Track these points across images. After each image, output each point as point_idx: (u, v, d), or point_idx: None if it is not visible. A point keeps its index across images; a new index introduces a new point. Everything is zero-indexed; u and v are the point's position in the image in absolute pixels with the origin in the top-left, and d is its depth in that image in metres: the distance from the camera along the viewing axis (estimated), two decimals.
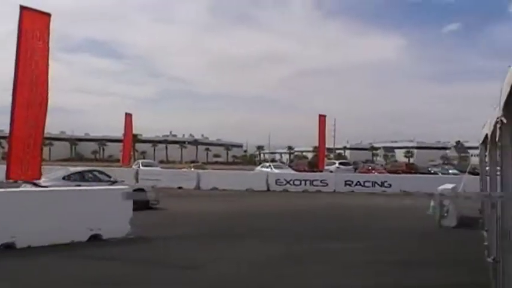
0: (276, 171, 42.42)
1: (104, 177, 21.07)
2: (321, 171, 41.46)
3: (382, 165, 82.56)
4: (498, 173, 6.82)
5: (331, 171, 47.65)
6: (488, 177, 11.67)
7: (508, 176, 5.57)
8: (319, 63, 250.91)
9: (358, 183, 35.32)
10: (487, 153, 11.26)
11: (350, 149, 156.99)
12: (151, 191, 21.66)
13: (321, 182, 35.35)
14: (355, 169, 58.64)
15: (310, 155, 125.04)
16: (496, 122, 5.73)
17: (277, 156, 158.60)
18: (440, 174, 55.75)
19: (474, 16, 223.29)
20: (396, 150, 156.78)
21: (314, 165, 55.26)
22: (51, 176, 20.72)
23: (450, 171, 61.49)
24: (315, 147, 77.62)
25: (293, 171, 44.59)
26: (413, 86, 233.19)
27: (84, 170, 22.01)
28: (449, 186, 18.45)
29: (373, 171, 52.25)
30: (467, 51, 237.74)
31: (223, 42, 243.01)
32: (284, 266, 10.61)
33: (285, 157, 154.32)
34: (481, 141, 12.71)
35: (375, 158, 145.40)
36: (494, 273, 7.12)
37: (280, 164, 65.75)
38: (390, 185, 34.99)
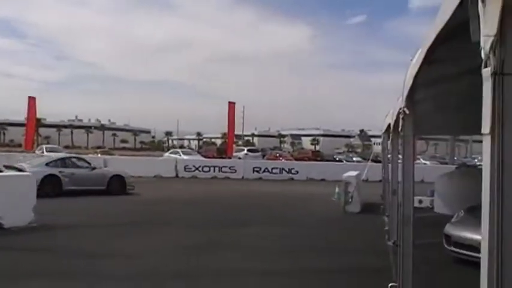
0: (185, 157, 42.25)
1: (83, 163, 21.95)
2: (230, 157, 41.61)
3: (289, 152, 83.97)
4: (400, 161, 7.12)
5: (240, 158, 47.90)
6: (390, 165, 12.16)
7: (409, 164, 5.82)
8: (230, 49, 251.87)
9: (266, 170, 35.75)
10: (389, 142, 11.71)
11: (258, 136, 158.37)
12: (129, 177, 22.64)
13: (229, 168, 35.47)
14: (263, 156, 59.22)
15: (219, 142, 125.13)
16: (399, 113, 5.96)
17: (186, 143, 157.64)
18: (345, 161, 57.45)
19: (378, 9, 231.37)
20: (303, 138, 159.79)
21: (223, 152, 55.38)
22: (33, 162, 21.28)
23: (354, 158, 63.42)
24: (224, 134, 77.75)
25: (202, 158, 44.59)
26: (321, 75, 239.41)
27: (66, 156, 22.85)
28: (354, 173, 19.04)
29: (281, 158, 53.09)
30: (372, 42, 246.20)
31: (133, 26, 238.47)
32: (197, 254, 10.62)
33: (194, 143, 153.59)
34: (383, 130, 13.19)
35: (282, 145, 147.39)
36: (395, 256, 7.46)
37: (189, 150, 65.49)
38: (297, 172, 35.67)
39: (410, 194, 5.79)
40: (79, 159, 22.80)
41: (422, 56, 3.88)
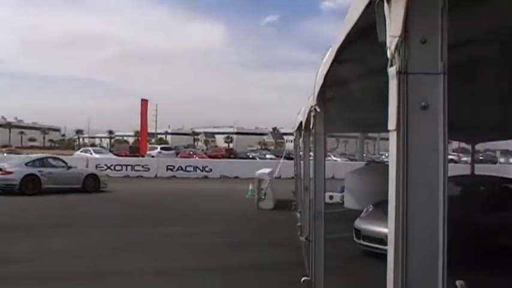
0: (97, 156, 41.33)
1: (60, 163, 23.03)
2: (143, 156, 41.05)
3: (203, 150, 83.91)
4: (311, 157, 7.27)
5: (153, 156, 47.36)
6: (302, 162, 12.39)
7: (320, 161, 5.96)
8: (142, 46, 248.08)
9: (180, 168, 35.50)
10: (301, 140, 11.92)
11: (172, 134, 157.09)
12: (103, 175, 24.68)
13: (142, 167, 34.94)
14: (177, 154, 58.78)
15: (131, 140, 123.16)
16: (311, 111, 6.09)
17: (98, 141, 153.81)
18: (258, 159, 57.90)
19: (291, 9, 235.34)
20: (217, 136, 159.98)
21: (136, 150, 54.54)
22: (14, 162, 22.68)
23: (267, 156, 63.97)
24: (137, 132, 76.61)
25: (114, 156, 43.80)
26: (235, 73, 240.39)
27: (44, 156, 23.91)
28: (267, 170, 19.25)
29: (194, 156, 52.88)
30: (285, 41, 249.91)
31: (40, 19, 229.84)
32: (111, 254, 10.42)
33: (106, 142, 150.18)
34: (295, 128, 13.42)
35: (196, 143, 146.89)
36: (307, 251, 7.61)
37: (101, 148, 64.05)
38: (211, 170, 35.69)
39: (321, 190, 5.93)
40: (55, 159, 23.75)
41: (332, 55, 3.98)
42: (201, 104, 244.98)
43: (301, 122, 10.21)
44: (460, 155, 59.60)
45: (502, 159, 64.15)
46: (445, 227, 1.63)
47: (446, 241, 1.62)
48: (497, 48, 4.66)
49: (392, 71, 1.60)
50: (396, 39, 1.55)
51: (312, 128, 6.05)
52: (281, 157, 26.43)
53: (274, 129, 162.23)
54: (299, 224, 11.99)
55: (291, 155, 27.08)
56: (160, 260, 10.00)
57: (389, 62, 1.62)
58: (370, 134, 69.16)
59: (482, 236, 9.82)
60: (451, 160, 60.73)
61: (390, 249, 1.68)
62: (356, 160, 48.33)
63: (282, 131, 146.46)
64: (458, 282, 2.49)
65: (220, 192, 24.41)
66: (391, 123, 1.59)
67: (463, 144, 40.95)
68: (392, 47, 1.57)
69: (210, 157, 53.70)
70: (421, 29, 1.57)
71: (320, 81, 5.24)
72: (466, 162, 41.04)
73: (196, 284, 8.66)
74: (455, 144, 60.03)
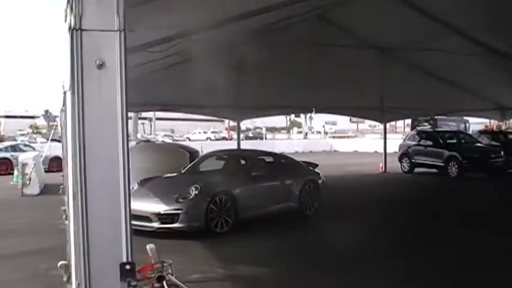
0: None
1: (29, 148, 26.90)
2: None
3: None
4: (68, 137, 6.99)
5: None
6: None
7: (68, 141, 5.75)
8: None
9: None
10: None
11: None
12: None
13: None
14: None
15: None
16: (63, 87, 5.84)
17: None
18: (27, 143, 55.19)
19: None
20: None
21: None
22: None
23: (38, 139, 61.12)
24: None
25: None
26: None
27: (15, 143, 30.48)
28: (31, 154, 18.35)
29: None
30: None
31: None
32: None
33: None
34: (60, 109, 12.91)
35: None
36: (69, 235, 7.35)
37: None
38: None
39: (67, 167, 5.73)
40: (25, 145, 28.73)
41: None
42: None
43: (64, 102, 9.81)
44: (231, 132, 62.67)
45: (268, 135, 69.52)
46: (126, 184, 1.60)
47: (129, 206, 1.60)
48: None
49: (65, 27, 1.52)
50: None
51: (63, 105, 5.80)
52: (48, 140, 26.09)
53: (47, 111, 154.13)
54: (63, 207, 11.56)
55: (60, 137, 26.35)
56: None
57: (64, 18, 1.53)
58: (145, 114, 69.17)
59: (242, 205, 10.47)
60: (224, 138, 63.67)
61: (70, 211, 1.63)
62: (131, 140, 48.21)
63: (55, 113, 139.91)
64: (148, 246, 2.59)
65: None
66: (67, 83, 1.52)
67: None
68: (65, 1, 1.48)
69: None
70: None
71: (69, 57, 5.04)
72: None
73: None
74: (227, 122, 62.94)
